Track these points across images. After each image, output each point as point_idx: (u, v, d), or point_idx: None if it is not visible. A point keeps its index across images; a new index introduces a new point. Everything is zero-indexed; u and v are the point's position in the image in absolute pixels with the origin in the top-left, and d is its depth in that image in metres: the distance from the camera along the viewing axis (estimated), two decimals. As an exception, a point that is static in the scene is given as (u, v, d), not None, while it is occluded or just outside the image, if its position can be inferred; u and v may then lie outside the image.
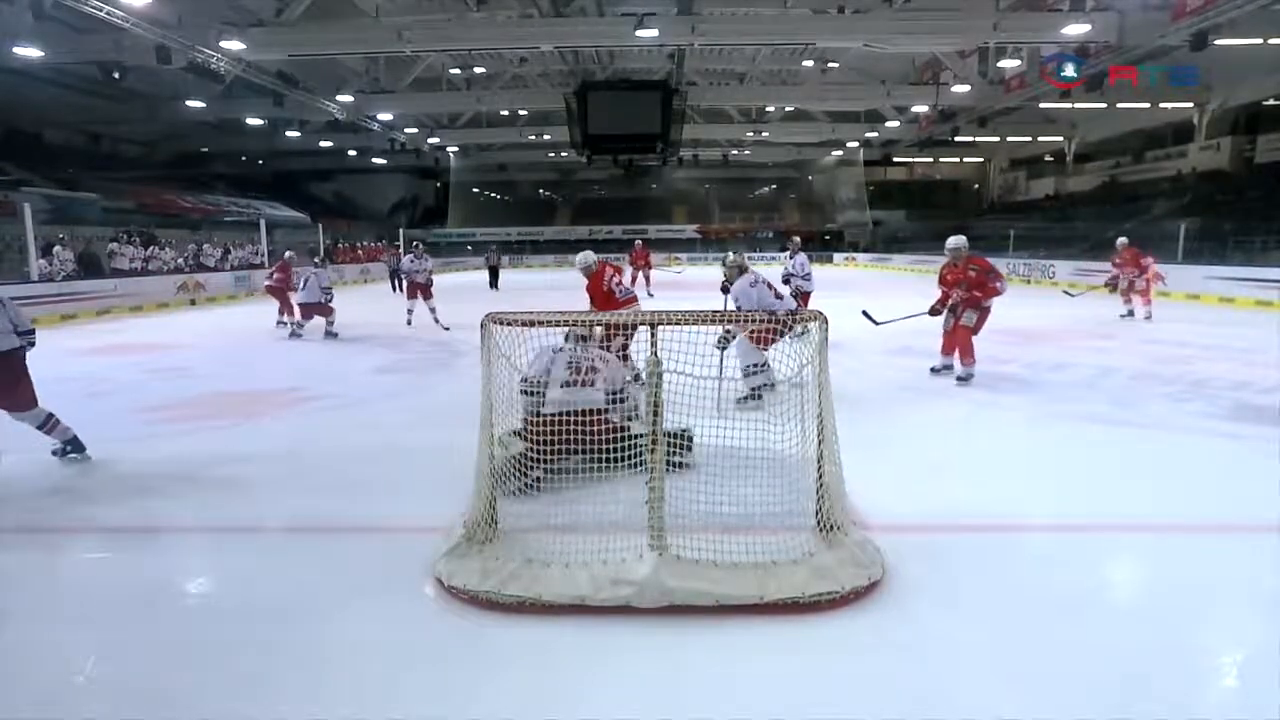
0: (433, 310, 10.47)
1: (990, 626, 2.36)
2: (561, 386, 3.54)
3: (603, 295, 5.88)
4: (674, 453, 3.22)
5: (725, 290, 5.57)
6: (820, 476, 2.81)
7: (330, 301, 9.78)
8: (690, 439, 3.44)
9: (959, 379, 6.04)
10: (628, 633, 2.31)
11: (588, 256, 6.10)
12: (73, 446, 4.05)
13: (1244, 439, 4.44)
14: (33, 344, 4.00)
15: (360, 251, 27.60)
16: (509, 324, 2.79)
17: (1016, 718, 1.91)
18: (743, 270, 5.48)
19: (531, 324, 2.78)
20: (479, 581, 2.49)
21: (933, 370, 6.41)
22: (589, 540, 2.61)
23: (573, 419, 2.97)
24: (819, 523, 2.78)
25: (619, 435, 2.85)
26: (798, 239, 9.88)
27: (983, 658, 2.19)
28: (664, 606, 2.37)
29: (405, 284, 11.07)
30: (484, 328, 2.81)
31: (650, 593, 2.37)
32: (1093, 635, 2.28)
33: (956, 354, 6.16)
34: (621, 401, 3.44)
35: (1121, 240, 10.79)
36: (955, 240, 6.14)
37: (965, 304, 5.99)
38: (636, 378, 3.72)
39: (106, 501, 3.57)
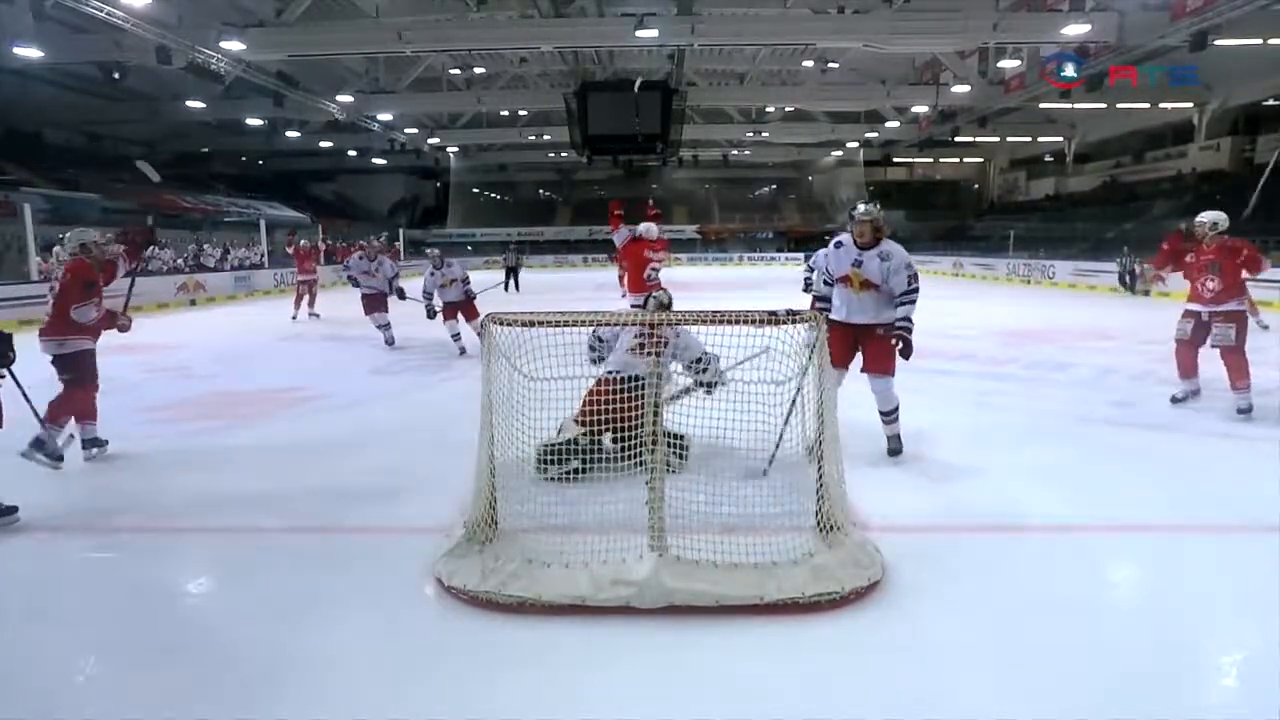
0: (479, 331, 8.22)
1: (990, 627, 2.35)
2: (626, 351, 3.78)
3: (640, 260, 6.78)
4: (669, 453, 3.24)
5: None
6: (820, 477, 2.81)
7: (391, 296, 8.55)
8: (686, 446, 3.44)
9: (1241, 410, 4.76)
10: (628, 633, 2.31)
11: (653, 228, 6.96)
12: None
13: (1244, 439, 4.43)
14: None
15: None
16: (509, 324, 2.79)
17: (1016, 718, 1.91)
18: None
19: (532, 324, 2.78)
20: (479, 581, 2.49)
21: (1174, 400, 5.17)
22: (589, 540, 2.61)
23: (625, 385, 3.04)
24: (819, 523, 2.78)
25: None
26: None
27: (983, 658, 2.19)
28: (664, 607, 2.37)
29: (440, 307, 7.89)
30: (484, 328, 2.81)
31: (650, 593, 2.37)
32: (1093, 635, 2.28)
33: (1190, 376, 5.06)
34: (705, 370, 3.74)
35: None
36: (1213, 214, 4.90)
37: (1220, 318, 4.80)
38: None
39: (105, 501, 3.57)
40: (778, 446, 3.43)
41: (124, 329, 4.23)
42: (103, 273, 4.15)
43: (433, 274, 7.80)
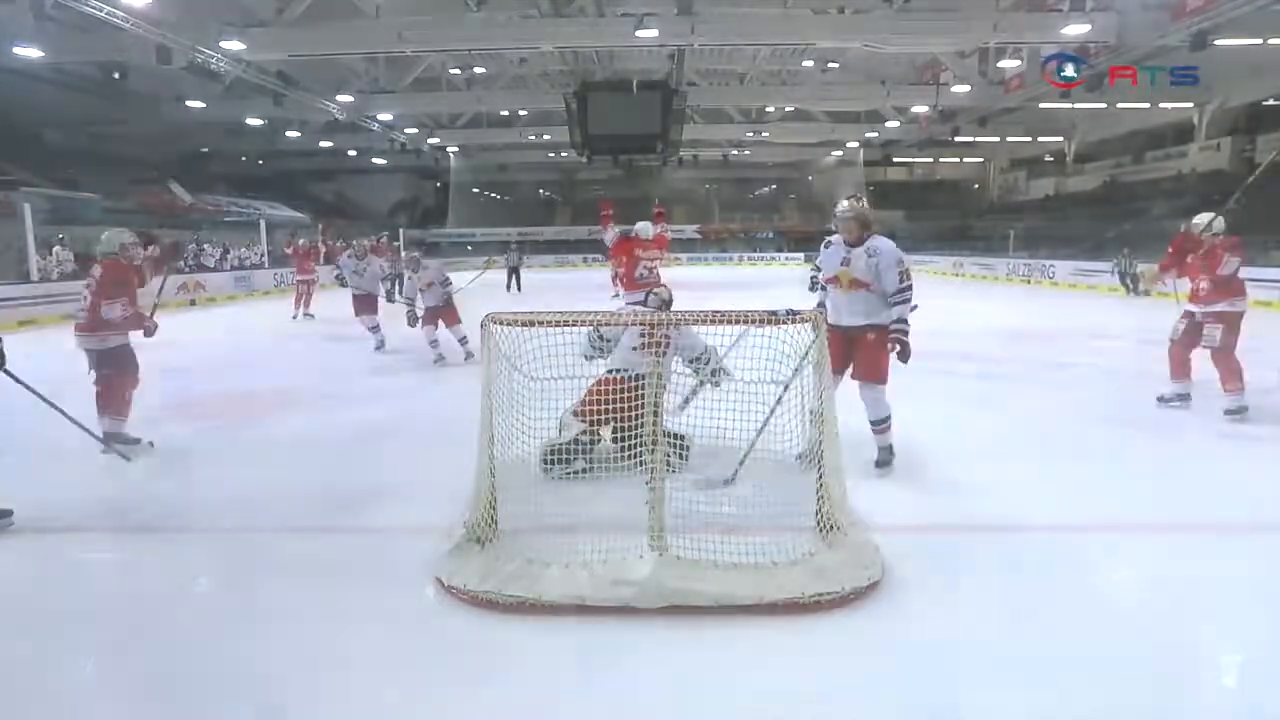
0: (463, 341, 7.39)
1: (990, 627, 2.35)
2: (630, 349, 3.77)
3: (632, 259, 7.05)
4: (670, 453, 3.24)
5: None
6: (820, 477, 2.82)
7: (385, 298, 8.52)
8: (686, 446, 3.44)
9: (1229, 412, 4.71)
10: (628, 633, 2.31)
11: (648, 226, 7.24)
12: None
13: (1243, 439, 4.44)
14: None
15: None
16: (509, 324, 2.79)
17: (1016, 718, 1.91)
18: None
19: (531, 324, 2.78)
20: (479, 582, 2.49)
21: (1160, 400, 5.10)
22: (589, 540, 2.62)
23: (628, 384, 3.03)
24: (819, 523, 2.78)
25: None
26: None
27: (982, 658, 2.19)
28: (664, 607, 2.37)
29: (421, 312, 7.58)
30: (484, 328, 2.81)
31: (650, 593, 2.37)
32: (1093, 635, 2.28)
33: (1181, 378, 5.01)
34: (706, 364, 3.76)
35: None
36: (1208, 216, 4.84)
37: (1211, 318, 4.79)
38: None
39: (105, 501, 3.57)
40: (745, 456, 3.37)
41: (149, 332, 4.39)
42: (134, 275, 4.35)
43: (410, 278, 7.57)
